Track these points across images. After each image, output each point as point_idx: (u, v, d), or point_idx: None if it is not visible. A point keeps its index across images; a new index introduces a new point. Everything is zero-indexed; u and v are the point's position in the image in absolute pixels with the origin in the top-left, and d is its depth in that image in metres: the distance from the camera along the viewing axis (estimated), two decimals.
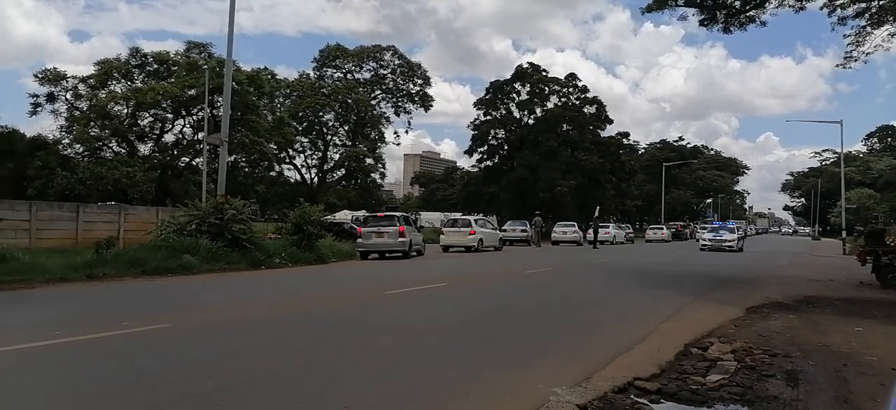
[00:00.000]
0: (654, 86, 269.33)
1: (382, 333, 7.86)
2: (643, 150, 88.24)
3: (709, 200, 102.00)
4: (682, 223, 69.25)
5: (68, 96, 40.95)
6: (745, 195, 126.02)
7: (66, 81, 40.67)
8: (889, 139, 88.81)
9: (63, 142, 39.56)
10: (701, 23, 17.45)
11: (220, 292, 12.33)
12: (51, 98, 40.48)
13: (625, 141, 64.77)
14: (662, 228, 54.95)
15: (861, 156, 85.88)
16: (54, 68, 40.90)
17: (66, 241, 20.54)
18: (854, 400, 5.03)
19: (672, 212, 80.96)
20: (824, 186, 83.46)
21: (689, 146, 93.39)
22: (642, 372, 5.73)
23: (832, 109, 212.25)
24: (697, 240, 53.28)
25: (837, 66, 21.86)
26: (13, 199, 25.40)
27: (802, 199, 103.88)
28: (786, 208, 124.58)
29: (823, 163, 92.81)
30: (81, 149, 39.39)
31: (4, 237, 18.14)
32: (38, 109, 40.75)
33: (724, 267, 21.12)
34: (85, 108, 40.27)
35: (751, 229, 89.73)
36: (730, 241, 34.77)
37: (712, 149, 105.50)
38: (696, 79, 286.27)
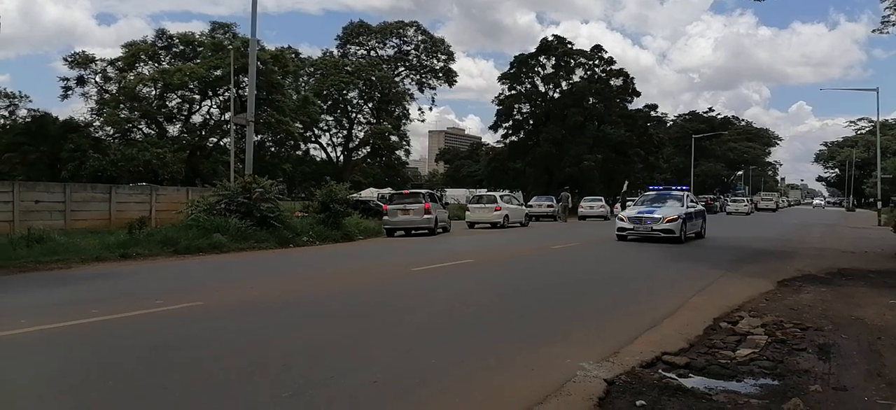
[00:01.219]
0: (681, 56, 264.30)
1: (410, 310, 7.93)
2: (672, 122, 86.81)
3: (740, 172, 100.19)
4: (711, 196, 68.22)
5: (97, 79, 41.74)
6: (778, 166, 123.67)
7: (95, 64, 41.41)
8: None
9: (94, 124, 40.40)
10: None
11: (251, 270, 12.53)
12: (81, 81, 41.29)
13: (653, 113, 63.69)
14: None
15: None
16: (83, 52, 41.69)
17: (99, 222, 21.02)
18: (888, 374, 4.95)
19: (702, 186, 79.73)
20: (859, 156, 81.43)
21: (719, 117, 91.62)
22: (670, 347, 5.69)
23: (867, 77, 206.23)
24: (727, 214, 52.96)
25: (874, 31, 21.18)
26: (48, 181, 26.04)
27: (836, 170, 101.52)
28: (819, 179, 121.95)
29: (858, 133, 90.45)
30: (112, 132, 40.16)
31: (41, 218, 18.62)
32: (69, 92, 41.65)
33: (755, 240, 20.80)
34: (114, 91, 40.97)
35: (783, 201, 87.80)
36: (664, 224, 18.63)
37: (743, 120, 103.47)
38: (726, 48, 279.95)
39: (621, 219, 19.45)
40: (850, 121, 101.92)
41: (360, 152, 58.93)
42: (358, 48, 60.72)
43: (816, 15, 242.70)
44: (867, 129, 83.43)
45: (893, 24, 17.45)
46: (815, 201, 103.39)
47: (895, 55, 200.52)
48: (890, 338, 6.17)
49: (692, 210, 20.19)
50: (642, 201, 21.30)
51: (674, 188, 23.36)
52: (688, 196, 20.99)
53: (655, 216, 18.62)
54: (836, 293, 9.14)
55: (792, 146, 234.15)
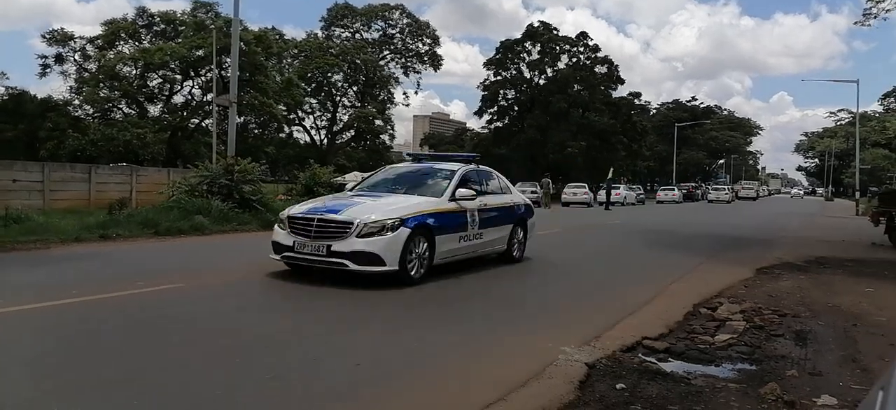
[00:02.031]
0: (665, 45, 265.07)
1: (391, 294, 7.92)
2: (655, 111, 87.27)
3: (721, 161, 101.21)
4: (693, 184, 68.92)
5: (76, 57, 41.05)
6: (759, 156, 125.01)
7: (74, 42, 40.72)
8: None
9: (73, 103, 39.76)
10: None
11: (232, 252, 12.44)
12: (59, 59, 40.58)
13: (636, 101, 64.21)
14: (674, 189, 54.80)
15: (877, 115, 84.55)
16: (62, 29, 40.97)
17: (79, 202, 20.73)
18: (863, 360, 5.05)
19: (684, 174, 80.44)
20: (838, 147, 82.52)
21: (701, 106, 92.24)
22: (651, 332, 5.76)
23: (848, 68, 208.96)
24: (709, 202, 53.53)
25: (856, 23, 21.45)
26: (26, 161, 25.61)
27: (816, 160, 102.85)
28: (799, 169, 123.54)
29: (838, 124, 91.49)
30: (92, 111, 39.57)
31: (19, 198, 18.32)
32: (47, 70, 40.92)
33: (735, 227, 21.05)
34: (93, 69, 40.31)
35: (763, 190, 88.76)
36: (354, 242, 7.65)
37: (725, 110, 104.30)
38: (709, 37, 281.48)
39: (282, 226, 8.48)
40: (831, 112, 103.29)
41: (344, 135, 58.62)
42: (343, 30, 60.24)
43: (799, 6, 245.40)
44: (847, 120, 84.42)
45: (875, 16, 17.69)
46: (793, 191, 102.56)
47: (875, 47, 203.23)
48: (865, 325, 6.30)
49: (472, 207, 9.18)
50: (363, 186, 10.29)
51: (453, 159, 10.96)
52: (474, 172, 10.07)
53: (340, 218, 7.89)
54: (814, 281, 9.29)
55: (773, 136, 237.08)
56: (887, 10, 17.19)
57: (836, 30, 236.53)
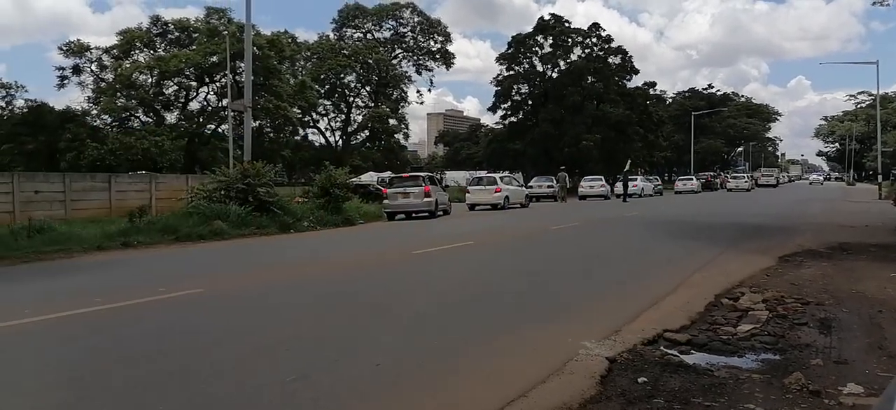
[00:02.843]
0: (679, 33, 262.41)
1: (411, 293, 7.95)
2: (671, 100, 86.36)
3: (740, 149, 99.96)
4: (711, 173, 68.15)
5: (93, 67, 41.61)
6: (778, 142, 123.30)
7: (90, 52, 41.27)
8: None
9: (91, 113, 40.30)
10: None
11: (251, 256, 12.55)
12: (76, 70, 41.17)
13: (651, 91, 63.46)
14: (692, 179, 54.23)
15: None
16: (78, 40, 41.54)
17: (100, 211, 21.02)
18: (889, 347, 4.97)
19: (702, 163, 79.57)
20: (859, 130, 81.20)
21: (718, 94, 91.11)
22: (672, 324, 5.71)
23: (866, 50, 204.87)
24: (728, 190, 53.01)
25: (874, 3, 20.93)
26: (47, 172, 26.02)
27: (836, 145, 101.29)
28: (819, 154, 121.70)
29: (858, 106, 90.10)
30: (109, 120, 40.09)
31: (41, 209, 18.62)
32: (65, 82, 41.54)
33: (756, 216, 20.82)
34: (110, 79, 40.83)
35: (783, 177, 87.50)
36: None
37: (743, 96, 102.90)
38: (723, 23, 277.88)
39: None
40: (850, 95, 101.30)
41: (358, 136, 58.78)
42: (354, 31, 60.38)
43: None
44: (867, 103, 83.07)
45: None
46: (812, 177, 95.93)
47: (894, 27, 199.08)
48: (890, 311, 6.19)
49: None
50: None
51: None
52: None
53: None
54: (837, 267, 9.16)
55: (791, 121, 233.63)
56: None
57: (852, 10, 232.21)
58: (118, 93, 39.35)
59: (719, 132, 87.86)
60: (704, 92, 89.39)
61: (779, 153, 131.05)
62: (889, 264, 9.36)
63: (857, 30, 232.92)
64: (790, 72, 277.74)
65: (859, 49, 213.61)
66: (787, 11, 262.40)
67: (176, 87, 41.88)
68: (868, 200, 32.19)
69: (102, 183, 22.57)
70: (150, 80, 40.52)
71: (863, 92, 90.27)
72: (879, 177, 42.39)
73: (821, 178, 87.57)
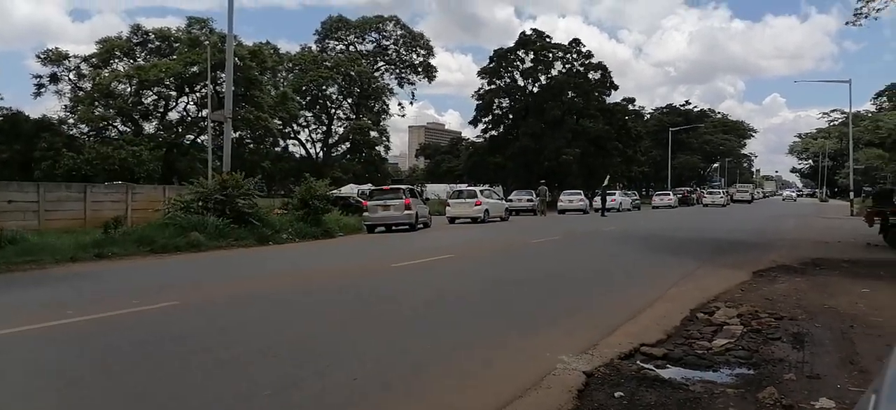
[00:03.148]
0: (657, 50, 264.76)
1: (391, 305, 7.92)
2: (649, 116, 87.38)
3: (716, 165, 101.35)
4: (688, 188, 68.99)
5: (71, 76, 40.99)
6: (753, 158, 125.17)
7: (69, 61, 40.66)
8: None
9: (68, 122, 39.67)
10: None
11: (228, 268, 12.42)
12: (54, 78, 40.53)
13: (630, 107, 64.27)
14: (669, 194, 54.83)
15: (870, 115, 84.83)
16: (56, 48, 40.87)
17: (74, 222, 20.65)
18: (860, 362, 5.05)
19: (679, 178, 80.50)
20: (832, 147, 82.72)
21: (695, 110, 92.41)
22: (648, 338, 5.75)
23: (839, 69, 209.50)
24: (704, 206, 53.70)
25: (847, 23, 21.47)
26: (21, 181, 25.54)
27: (810, 161, 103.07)
28: (793, 170, 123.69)
29: (831, 124, 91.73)
30: (86, 130, 39.49)
31: (14, 219, 18.23)
32: (42, 90, 40.84)
33: (731, 231, 21.09)
34: (88, 88, 40.28)
35: (758, 193, 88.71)
36: None
37: (719, 113, 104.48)
38: (700, 41, 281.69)
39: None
40: (824, 113, 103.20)
41: (339, 148, 58.59)
42: (337, 43, 60.36)
43: (788, 7, 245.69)
44: (840, 121, 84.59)
45: (866, 16, 17.71)
46: (785, 193, 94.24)
47: (865, 47, 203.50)
48: (862, 326, 6.30)
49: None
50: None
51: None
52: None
53: None
54: (810, 282, 9.30)
55: (766, 138, 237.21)
56: (878, 10, 17.24)
57: (826, 31, 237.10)
58: (96, 103, 38.79)
59: (696, 148, 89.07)
60: (682, 108, 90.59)
61: (754, 169, 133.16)
62: (861, 279, 9.53)
63: (830, 49, 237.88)
64: (765, 89, 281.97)
65: (832, 68, 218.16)
66: (763, 30, 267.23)
67: (155, 97, 41.40)
68: (840, 216, 32.79)
69: (77, 193, 22.19)
70: (128, 90, 40.04)
71: (835, 110, 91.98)
72: (851, 194, 43.22)
73: (794, 195, 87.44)
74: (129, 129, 40.69)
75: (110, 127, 40.58)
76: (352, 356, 5.31)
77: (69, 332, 6.29)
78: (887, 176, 59.10)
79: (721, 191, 64.07)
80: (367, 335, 6.20)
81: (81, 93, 40.47)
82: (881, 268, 10.98)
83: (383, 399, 4.27)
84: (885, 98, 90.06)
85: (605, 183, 39.92)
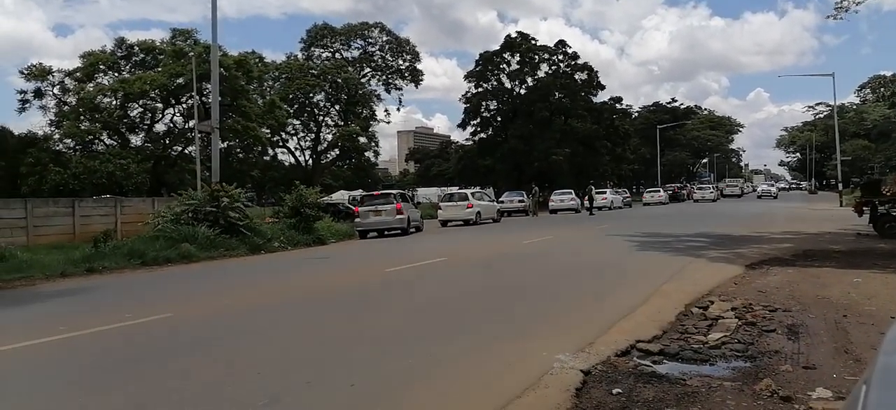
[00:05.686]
0: (639, 49, 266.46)
1: (385, 310, 7.90)
2: (636, 114, 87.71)
3: (705, 160, 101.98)
4: (678, 184, 69.40)
5: (56, 91, 40.60)
6: (741, 153, 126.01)
7: (53, 76, 40.29)
8: (882, 89, 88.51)
9: (54, 137, 39.30)
10: None
11: (220, 279, 12.34)
12: (38, 94, 40.13)
13: (617, 106, 64.44)
14: (659, 190, 55.12)
15: (854, 107, 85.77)
16: (40, 63, 40.51)
17: (63, 237, 20.48)
18: (855, 351, 5.08)
19: (669, 175, 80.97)
20: (819, 140, 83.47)
21: (682, 107, 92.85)
22: (644, 335, 5.76)
23: (820, 63, 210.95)
24: (695, 201, 54.00)
25: (828, 17, 21.56)
26: (8, 197, 25.28)
27: (797, 154, 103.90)
28: (781, 163, 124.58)
29: (817, 117, 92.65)
30: (73, 144, 39.14)
31: (2, 236, 18.08)
32: (27, 106, 40.42)
33: (722, 225, 21.20)
34: (73, 103, 39.95)
35: (747, 187, 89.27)
36: None
37: (705, 109, 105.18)
38: (681, 40, 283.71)
39: None
40: (808, 106, 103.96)
41: (328, 155, 58.42)
42: (323, 50, 60.21)
43: (765, 4, 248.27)
44: (825, 113, 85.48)
45: (846, 10, 17.92)
46: (761, 188, 74.05)
47: (846, 40, 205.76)
48: (855, 316, 6.34)
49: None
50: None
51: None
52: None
53: None
54: (803, 274, 9.36)
55: (752, 132, 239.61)
56: (858, 3, 17.44)
57: (805, 25, 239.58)
58: (81, 117, 38.47)
59: (684, 144, 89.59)
60: (668, 106, 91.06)
61: (743, 164, 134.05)
62: (852, 269, 9.60)
63: (810, 43, 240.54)
64: (749, 85, 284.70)
65: (813, 62, 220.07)
66: (742, 27, 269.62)
67: (141, 110, 41.11)
68: (829, 208, 33.05)
69: (65, 208, 22.02)
70: (114, 103, 39.74)
71: (820, 103, 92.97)
72: (840, 186, 43.59)
73: (773, 189, 68.20)
74: (115, 143, 40.36)
75: (97, 141, 40.24)
76: (347, 363, 5.29)
77: (62, 348, 6.22)
78: (874, 165, 59.68)
79: (711, 186, 64.35)
80: (364, 341, 6.17)
81: (66, 107, 40.12)
82: (872, 257, 11.07)
83: (383, 402, 4.25)
84: (868, 90, 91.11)
85: (590, 184, 40.41)
